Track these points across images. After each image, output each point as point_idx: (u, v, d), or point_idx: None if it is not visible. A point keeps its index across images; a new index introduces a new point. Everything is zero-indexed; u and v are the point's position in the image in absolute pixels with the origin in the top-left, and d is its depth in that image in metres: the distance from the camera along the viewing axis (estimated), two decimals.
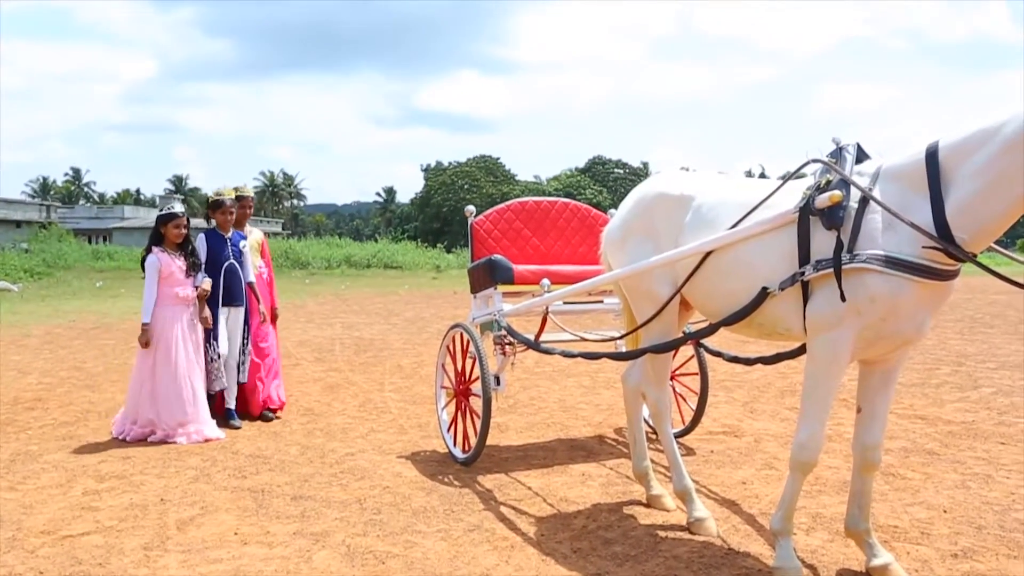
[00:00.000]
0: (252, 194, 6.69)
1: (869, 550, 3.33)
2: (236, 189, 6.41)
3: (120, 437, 5.66)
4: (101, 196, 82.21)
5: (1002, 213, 2.78)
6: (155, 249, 5.72)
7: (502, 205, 5.73)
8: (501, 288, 5.04)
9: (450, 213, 51.77)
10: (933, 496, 4.29)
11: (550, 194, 44.87)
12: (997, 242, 3.06)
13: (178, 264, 5.74)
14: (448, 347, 5.38)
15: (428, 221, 55.38)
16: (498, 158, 58.55)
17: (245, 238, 6.38)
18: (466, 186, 54.20)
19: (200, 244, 6.01)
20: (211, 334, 5.97)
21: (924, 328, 3.06)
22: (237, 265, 6.17)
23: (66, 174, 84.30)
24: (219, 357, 6.01)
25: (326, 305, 17.28)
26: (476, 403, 4.97)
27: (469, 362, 5.15)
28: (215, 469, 4.97)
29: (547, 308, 4.67)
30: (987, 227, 2.82)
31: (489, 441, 5.15)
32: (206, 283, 5.89)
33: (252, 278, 6.30)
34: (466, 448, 5.05)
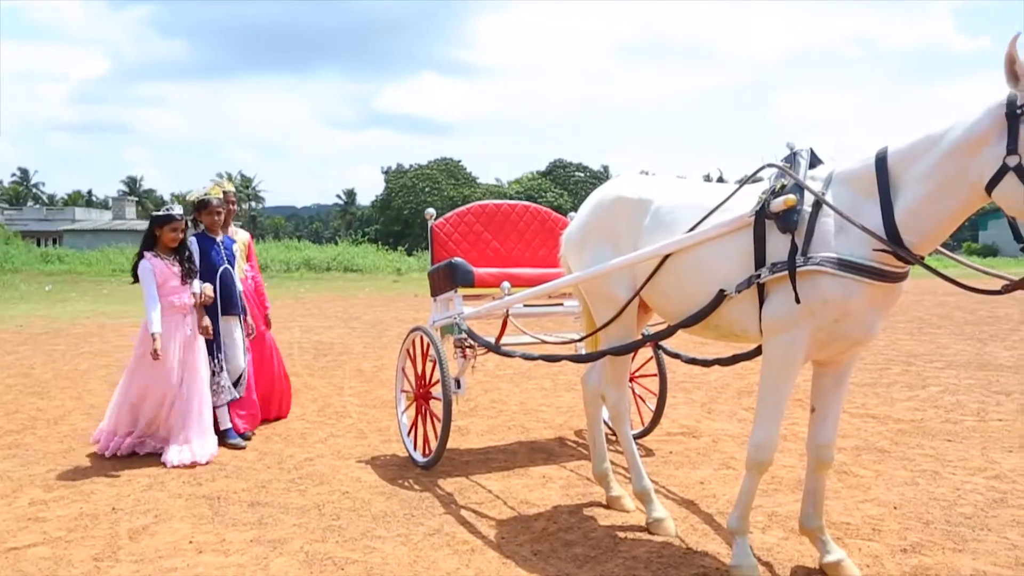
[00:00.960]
0: (233, 188, 6.27)
1: (822, 547, 3.40)
2: (218, 185, 5.87)
3: (108, 454, 5.21)
4: (51, 198, 79.89)
5: (947, 216, 2.86)
6: (147, 254, 5.27)
7: (462, 208, 5.73)
8: (461, 291, 5.04)
9: (411, 216, 51.44)
10: (884, 493, 4.40)
11: (511, 197, 44.93)
12: (944, 245, 3.15)
13: (174, 270, 5.30)
14: (408, 350, 5.36)
15: (389, 224, 54.94)
16: (459, 161, 58.31)
17: (235, 242, 5.93)
18: (427, 189, 53.91)
19: (194, 248, 5.52)
20: (213, 345, 5.53)
21: (875, 329, 3.13)
22: (232, 271, 5.71)
23: (13, 175, 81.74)
24: (222, 370, 5.57)
25: (285, 309, 17.04)
26: (436, 406, 4.95)
27: (429, 365, 5.13)
28: (169, 476, 4.86)
29: (507, 311, 4.68)
30: (934, 230, 2.90)
31: (450, 444, 5.14)
32: (208, 289, 5.46)
33: (241, 285, 5.84)
34: (426, 452, 5.03)
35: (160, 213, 5.36)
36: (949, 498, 4.30)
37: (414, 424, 5.24)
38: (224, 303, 5.62)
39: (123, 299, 19.92)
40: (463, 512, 4.21)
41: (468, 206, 5.74)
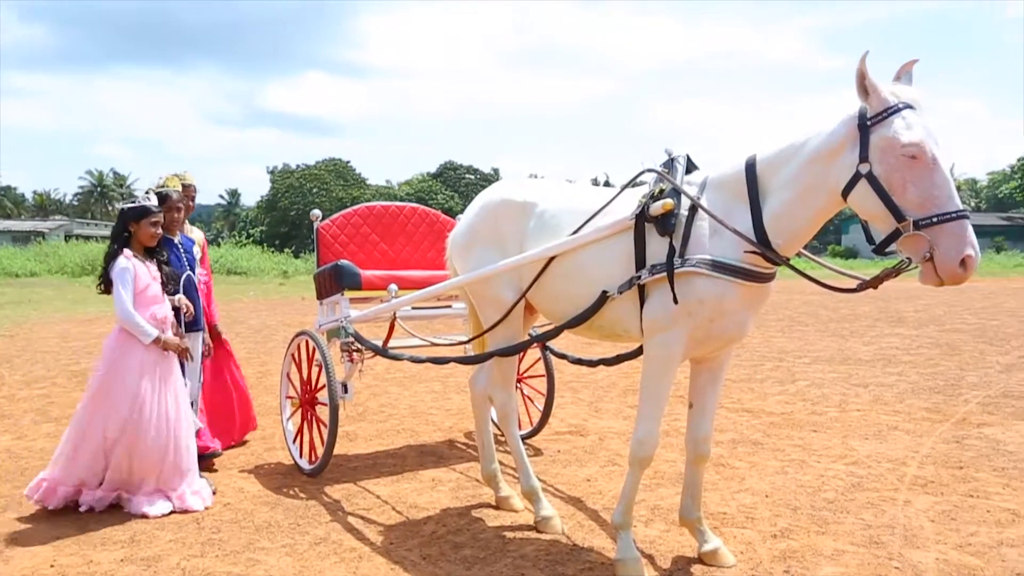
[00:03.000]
0: (195, 181, 5.34)
1: (700, 537, 3.55)
2: (177, 176, 5.03)
3: (38, 501, 4.20)
4: None
5: (810, 219, 3.05)
6: (126, 252, 4.31)
7: (349, 209, 5.64)
8: (348, 294, 4.95)
9: (298, 217, 50.10)
10: (757, 483, 4.65)
11: (402, 199, 44.61)
12: (811, 247, 3.36)
13: (153, 275, 4.38)
14: (293, 355, 5.21)
15: (275, 225, 53.27)
16: (348, 161, 57.26)
17: (195, 243, 5.18)
18: (315, 189, 52.62)
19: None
20: (183, 367, 4.63)
21: (747, 327, 3.30)
22: (194, 278, 4.90)
23: None
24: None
25: None
26: (323, 412, 4.84)
27: (315, 370, 5.01)
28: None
29: (395, 314, 4.64)
30: (798, 232, 3.09)
31: (337, 450, 5.04)
32: (182, 299, 4.58)
33: (201, 297, 5.05)
34: (313, 459, 4.91)
35: (133, 205, 4.41)
36: (814, 485, 4.59)
37: (300, 431, 5.11)
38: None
39: None
40: (350, 519, 4.13)
41: (355, 207, 5.66)
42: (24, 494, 4.28)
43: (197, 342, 4.94)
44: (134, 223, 4.37)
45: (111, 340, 4.33)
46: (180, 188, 4.97)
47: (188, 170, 5.32)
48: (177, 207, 4.91)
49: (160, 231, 4.49)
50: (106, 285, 4.33)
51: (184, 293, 4.68)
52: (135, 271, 4.27)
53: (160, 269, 4.46)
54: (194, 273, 4.95)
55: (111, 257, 4.32)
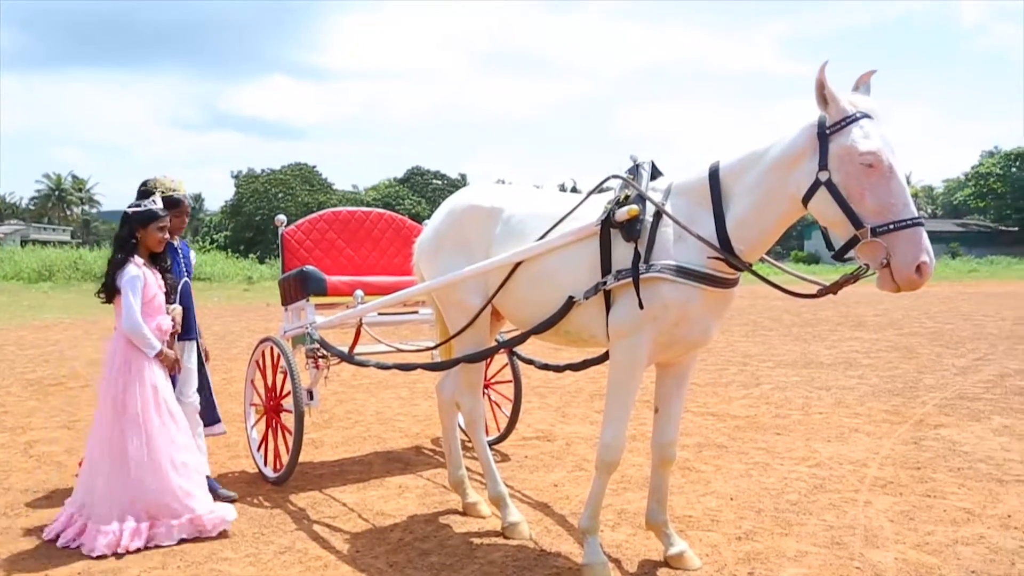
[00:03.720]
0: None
1: (666, 540, 3.58)
2: (160, 179, 4.64)
3: (68, 545, 3.81)
4: None
5: (771, 226, 3.10)
6: (136, 259, 4.05)
7: (314, 215, 5.60)
8: (314, 300, 4.91)
9: (263, 222, 49.60)
10: (722, 486, 4.70)
11: (368, 204, 44.40)
12: (774, 253, 3.41)
13: (159, 284, 4.14)
14: (258, 362, 5.15)
15: (240, 230, 52.68)
16: (314, 166, 56.93)
17: (191, 249, 5.00)
18: (280, 194, 52.17)
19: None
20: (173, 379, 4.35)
21: (711, 332, 3.34)
22: (190, 285, 4.68)
23: None
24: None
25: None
26: (288, 419, 4.79)
27: (280, 377, 4.95)
28: None
29: (361, 320, 4.61)
30: (760, 238, 3.13)
31: (303, 458, 4.99)
32: (177, 311, 4.30)
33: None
34: (278, 467, 4.86)
35: (140, 209, 4.12)
36: (777, 487, 4.65)
37: (264, 438, 5.04)
38: (184, 325, 4.50)
39: None
40: (316, 527, 4.09)
41: (320, 213, 5.62)
42: (52, 536, 3.90)
43: (192, 352, 4.65)
44: (141, 228, 4.10)
45: (118, 344, 4.04)
46: (185, 191, 4.72)
47: (167, 174, 5.12)
48: (187, 212, 4.71)
49: (167, 236, 4.26)
50: (108, 294, 4.07)
51: (180, 300, 4.44)
52: (145, 280, 4.02)
53: (164, 277, 4.23)
54: (190, 280, 4.75)
55: (119, 265, 4.03)
